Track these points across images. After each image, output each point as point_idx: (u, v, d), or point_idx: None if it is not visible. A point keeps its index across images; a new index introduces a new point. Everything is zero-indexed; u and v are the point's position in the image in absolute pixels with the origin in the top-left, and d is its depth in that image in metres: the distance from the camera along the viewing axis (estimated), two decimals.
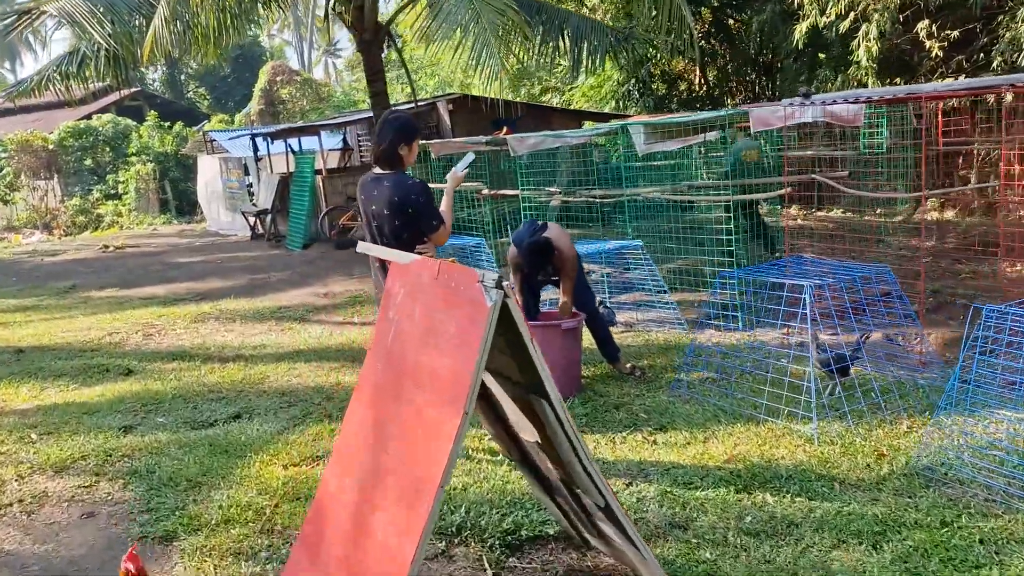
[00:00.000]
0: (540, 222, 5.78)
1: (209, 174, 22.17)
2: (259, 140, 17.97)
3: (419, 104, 15.51)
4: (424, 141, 11.10)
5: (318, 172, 15.63)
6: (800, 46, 15.30)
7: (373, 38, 13.10)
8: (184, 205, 28.17)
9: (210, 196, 22.54)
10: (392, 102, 14.23)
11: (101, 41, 10.93)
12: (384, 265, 4.45)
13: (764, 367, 5.42)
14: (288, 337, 8.39)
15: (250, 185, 20.03)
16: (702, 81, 20.17)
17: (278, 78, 35.12)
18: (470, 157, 4.65)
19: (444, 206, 4.47)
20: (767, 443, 4.55)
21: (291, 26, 63.56)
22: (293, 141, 17.58)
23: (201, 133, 25.67)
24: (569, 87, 23.17)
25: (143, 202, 27.74)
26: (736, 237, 7.13)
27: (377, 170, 4.45)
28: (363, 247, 3.61)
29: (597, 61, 12.23)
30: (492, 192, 10.93)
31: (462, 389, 2.51)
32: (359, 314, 9.31)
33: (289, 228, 16.21)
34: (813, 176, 7.08)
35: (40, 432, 5.46)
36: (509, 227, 11.59)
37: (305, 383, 6.46)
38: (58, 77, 12.24)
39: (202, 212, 25.38)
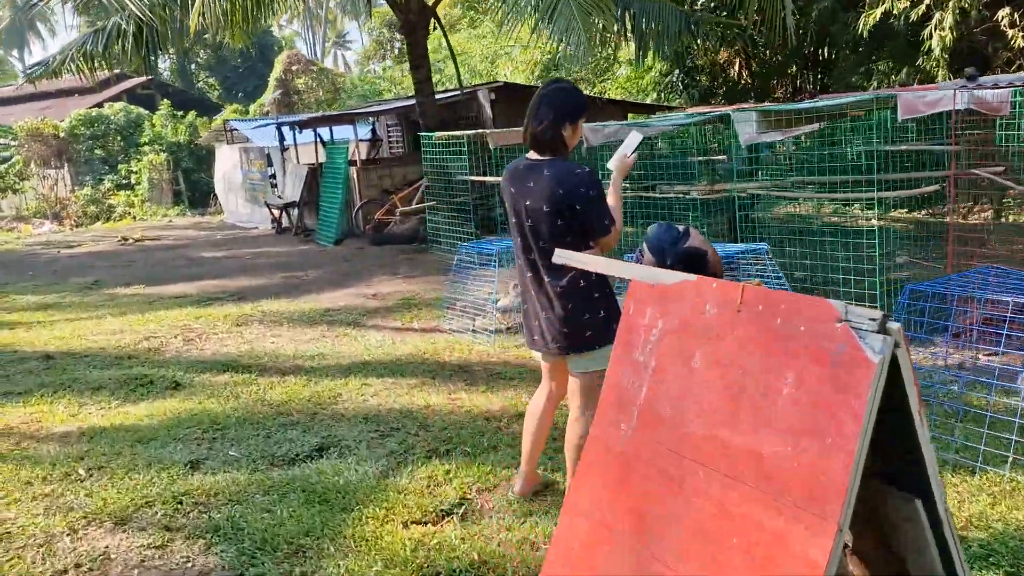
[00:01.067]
0: (680, 226, 4.89)
1: (228, 165, 21.29)
2: (285, 129, 17.08)
3: (464, 92, 14.60)
4: (482, 130, 10.23)
5: (352, 163, 14.74)
6: (866, 35, 14.38)
7: (419, 20, 12.24)
8: (197, 196, 27.28)
9: (228, 187, 21.66)
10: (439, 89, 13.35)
11: (137, 13, 10.03)
12: (537, 270, 3.57)
13: (951, 396, 4.54)
14: (346, 345, 7.52)
15: (272, 176, 19.17)
16: (744, 73, 19.28)
17: (293, 67, 34.19)
18: (636, 137, 3.76)
19: (612, 200, 3.59)
20: (1000, 502, 3.67)
21: (300, 16, 62.62)
22: (323, 131, 16.67)
23: (222, 122, 24.74)
24: (601, 78, 22.27)
25: (156, 193, 26.85)
26: (876, 241, 6.27)
27: (532, 156, 3.57)
28: (561, 255, 2.71)
29: (666, 47, 11.33)
30: None
31: (829, 493, 1.62)
32: (418, 319, 8.44)
33: (319, 222, 15.33)
34: (976, 172, 6.22)
35: (88, 466, 4.59)
36: None
37: (386, 405, 5.59)
38: (82, 58, 11.36)
39: (217, 204, 24.50)
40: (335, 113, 17.13)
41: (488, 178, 10.44)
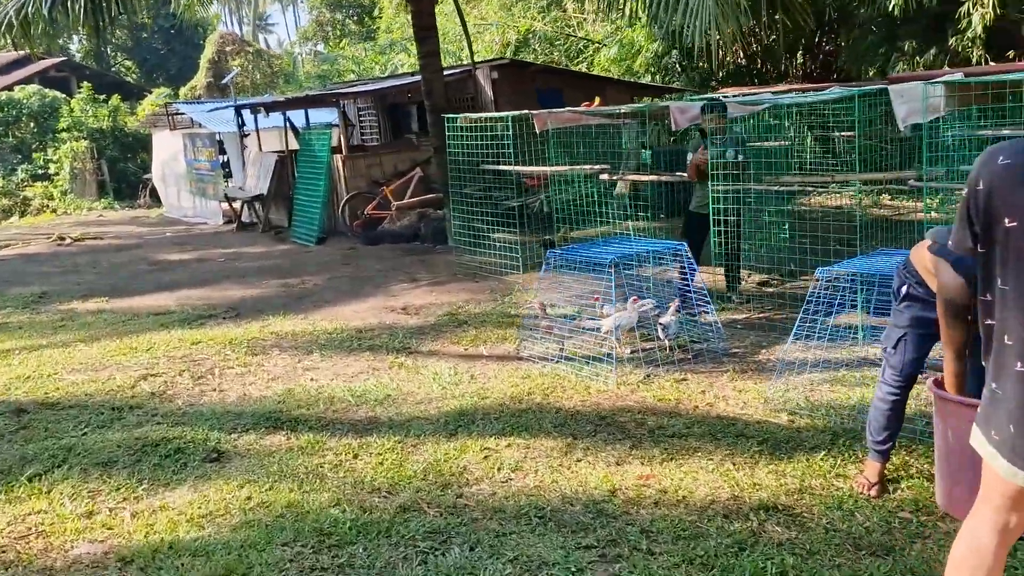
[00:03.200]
0: None
1: (168, 153, 18.98)
2: (246, 113, 15.04)
3: (463, 69, 12.90)
4: (532, 111, 8.60)
5: (335, 151, 12.87)
6: (897, 12, 13.27)
7: None
8: (125, 188, 24.63)
9: (168, 178, 19.37)
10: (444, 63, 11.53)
11: None
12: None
13: None
14: (412, 381, 5.85)
15: (226, 165, 17.07)
16: (743, 56, 18.10)
17: (227, 48, 31.65)
18: None
19: None
20: None
21: None
22: (295, 114, 14.72)
23: (160, 106, 22.29)
24: (577, 60, 20.76)
25: (78, 184, 24.10)
26: None
27: None
28: None
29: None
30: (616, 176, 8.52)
31: None
32: (481, 341, 6.81)
33: (295, 218, 13.42)
34: None
35: None
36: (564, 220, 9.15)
37: (547, 487, 3.98)
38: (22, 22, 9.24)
39: (145, 195, 22.10)
40: (315, 93, 15.17)
41: (540, 167, 8.83)
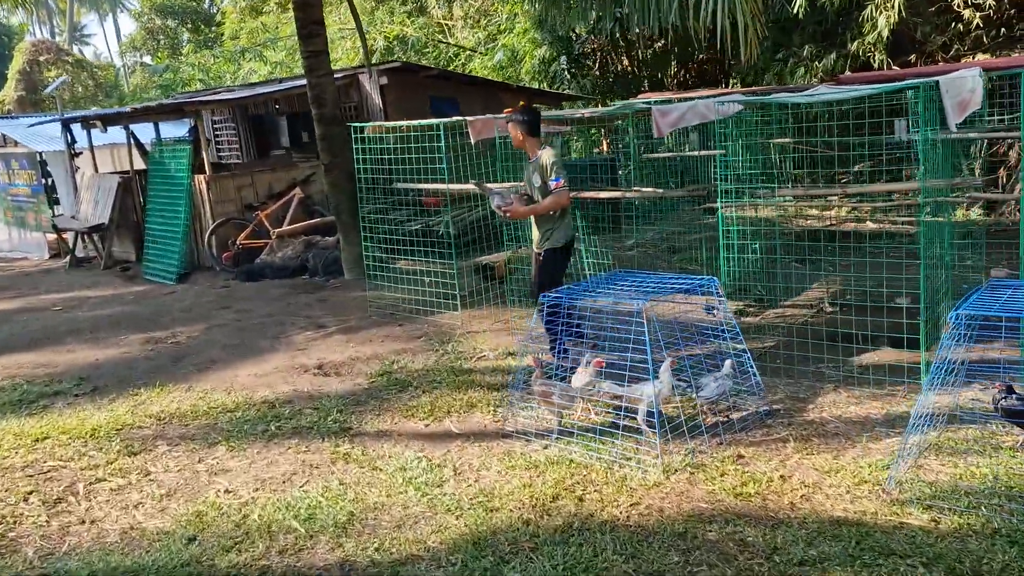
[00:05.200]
0: None
1: None
2: (77, 128, 12.61)
3: (338, 76, 11.16)
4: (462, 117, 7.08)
5: (197, 171, 10.80)
6: (800, 15, 12.69)
7: None
8: None
9: None
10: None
11: None
12: None
13: None
14: (373, 485, 4.23)
15: (50, 189, 14.42)
16: (626, 64, 17.28)
17: (41, 58, 28.01)
18: None
19: None
20: None
21: (25, 3, 53.67)
22: (140, 129, 12.43)
23: None
24: (450, 67, 19.33)
25: None
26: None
27: None
28: None
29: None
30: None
31: None
32: (441, 411, 5.23)
33: (148, 252, 11.22)
34: None
35: None
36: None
37: None
38: None
39: None
40: (170, 102, 12.85)
41: (466, 185, 7.29)
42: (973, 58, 12.45)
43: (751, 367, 4.87)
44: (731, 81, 15.76)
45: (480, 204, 10.15)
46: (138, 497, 4.27)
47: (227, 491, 4.28)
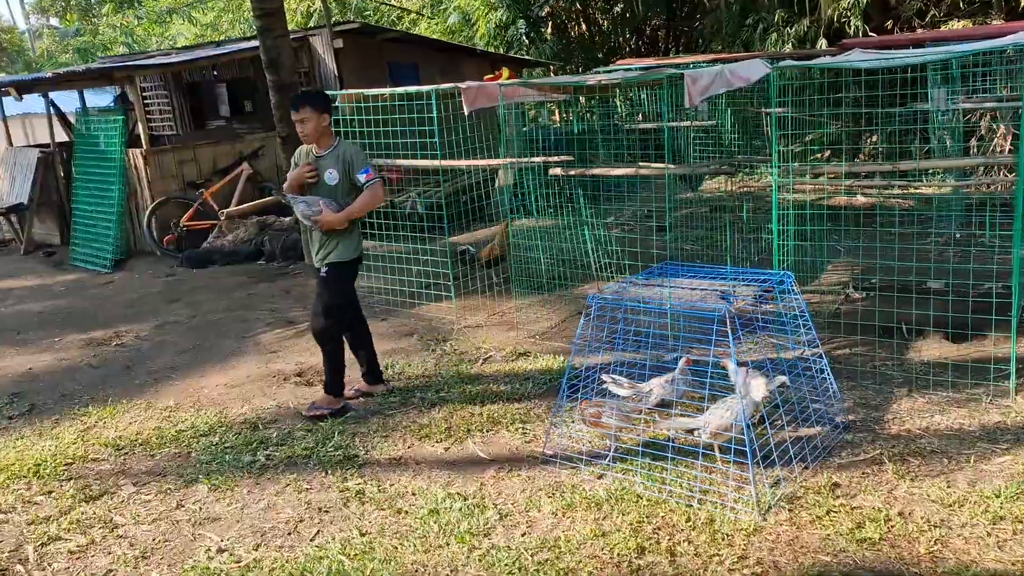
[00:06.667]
0: None
1: None
2: None
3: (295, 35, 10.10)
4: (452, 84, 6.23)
5: (133, 144, 9.64)
6: None
7: None
8: None
9: None
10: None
11: None
12: None
13: None
14: (401, 536, 3.46)
15: None
16: (587, 30, 16.50)
17: None
18: None
19: None
20: None
21: None
22: (62, 98, 11.13)
23: None
24: (398, 25, 18.21)
25: None
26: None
27: None
28: None
29: None
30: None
31: None
32: (460, 429, 4.47)
33: (76, 235, 10.03)
34: None
35: None
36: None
37: None
38: None
39: None
40: (98, 67, 11.49)
41: (471, 161, 6.45)
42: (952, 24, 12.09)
43: (827, 372, 4.23)
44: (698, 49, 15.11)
45: (465, 177, 9.32)
46: (107, 562, 3.39)
47: (220, 550, 3.44)
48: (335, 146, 4.66)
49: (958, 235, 7.75)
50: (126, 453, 4.45)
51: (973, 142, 11.62)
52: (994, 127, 11.01)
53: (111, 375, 5.76)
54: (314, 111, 4.58)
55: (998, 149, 10.97)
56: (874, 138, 11.62)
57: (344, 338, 4.97)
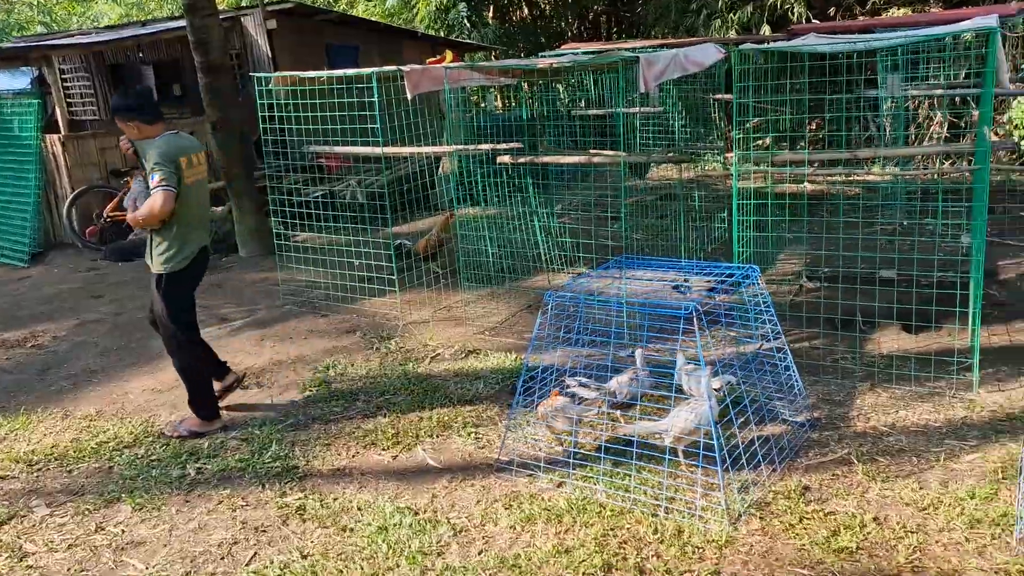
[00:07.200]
0: None
1: None
2: None
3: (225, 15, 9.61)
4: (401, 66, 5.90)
5: (51, 130, 9.05)
6: None
7: None
8: None
9: None
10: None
11: None
12: None
13: None
14: (346, 556, 3.19)
15: None
16: (530, 14, 16.22)
17: None
18: None
19: None
20: None
21: None
22: None
23: None
24: (334, 7, 17.66)
25: None
26: None
27: None
28: None
29: None
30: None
31: None
32: (408, 435, 4.20)
33: None
34: None
35: None
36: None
37: None
38: None
39: None
40: (12, 46, 10.75)
41: (417, 148, 6.12)
42: (893, 12, 12.16)
43: (792, 368, 4.07)
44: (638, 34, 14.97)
45: (407, 165, 9.00)
46: None
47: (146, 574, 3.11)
48: (153, 142, 4.14)
49: (904, 223, 7.76)
50: (40, 469, 4.06)
51: (912, 129, 11.73)
52: (931, 115, 11.12)
53: (24, 381, 5.31)
54: (123, 122, 4.18)
55: (934, 137, 11.10)
56: (814, 125, 11.64)
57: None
